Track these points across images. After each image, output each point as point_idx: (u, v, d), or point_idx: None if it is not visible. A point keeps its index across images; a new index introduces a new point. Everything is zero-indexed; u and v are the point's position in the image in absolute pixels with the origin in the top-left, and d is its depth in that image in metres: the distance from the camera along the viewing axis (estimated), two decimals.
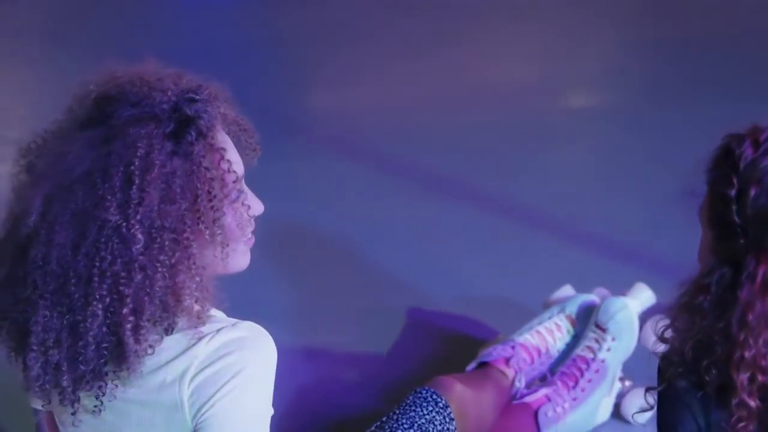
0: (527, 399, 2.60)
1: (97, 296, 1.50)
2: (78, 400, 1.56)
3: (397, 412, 2.29)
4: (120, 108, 1.55)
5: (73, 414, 1.57)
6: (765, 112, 1.83)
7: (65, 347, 1.52)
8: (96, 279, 1.49)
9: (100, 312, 1.50)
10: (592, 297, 2.81)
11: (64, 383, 1.54)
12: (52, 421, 1.77)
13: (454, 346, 3.01)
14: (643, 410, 2.55)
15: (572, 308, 2.77)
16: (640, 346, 2.71)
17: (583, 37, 5.21)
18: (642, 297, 2.74)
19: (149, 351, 1.53)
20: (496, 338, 2.86)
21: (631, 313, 2.69)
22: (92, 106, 1.57)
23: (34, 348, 1.52)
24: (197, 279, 1.55)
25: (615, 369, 2.68)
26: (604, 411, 2.70)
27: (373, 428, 2.28)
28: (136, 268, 1.50)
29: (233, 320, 1.59)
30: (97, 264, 1.49)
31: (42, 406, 1.74)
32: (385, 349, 3.02)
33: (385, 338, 3.06)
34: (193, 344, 1.55)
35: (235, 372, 1.54)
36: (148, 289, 1.51)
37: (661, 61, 4.83)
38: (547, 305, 2.85)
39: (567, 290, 2.88)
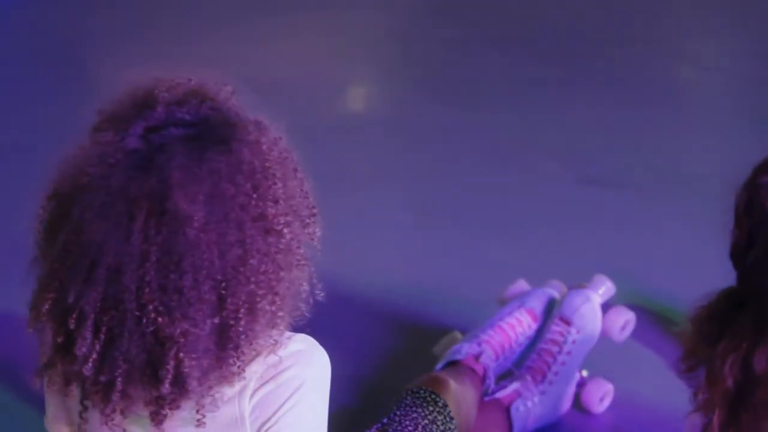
0: (498, 395, 2.63)
1: (260, 295, 1.45)
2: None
3: (399, 413, 2.27)
4: (203, 108, 1.50)
5: None
6: None
7: (213, 354, 1.44)
8: (254, 278, 1.44)
9: (267, 308, 1.46)
10: (550, 290, 2.84)
11: (183, 393, 1.46)
12: None
13: (408, 340, 3.02)
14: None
15: (532, 302, 2.80)
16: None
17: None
18: (603, 288, 2.78)
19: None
20: (451, 334, 2.87)
21: (594, 305, 2.74)
22: (163, 109, 1.49)
23: (185, 357, 1.42)
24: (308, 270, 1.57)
25: (579, 360, 2.73)
26: (566, 402, 2.75)
27: (373, 431, 2.27)
28: (281, 264, 1.48)
29: (286, 332, 1.56)
30: (253, 262, 1.45)
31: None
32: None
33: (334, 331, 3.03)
34: (252, 357, 1.51)
35: (297, 387, 1.53)
36: (287, 283, 1.49)
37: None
38: (502, 301, 2.88)
39: (521, 285, 2.91)
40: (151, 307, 1.40)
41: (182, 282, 1.40)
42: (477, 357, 2.64)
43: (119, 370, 1.43)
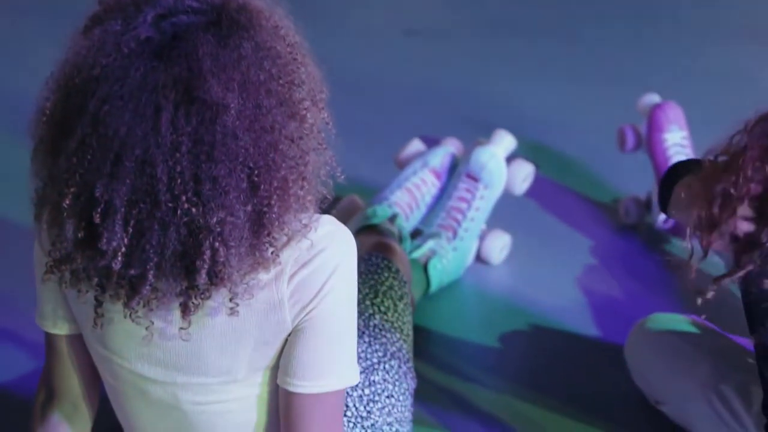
0: (415, 255, 2.66)
1: (292, 179, 1.43)
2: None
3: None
4: None
5: (184, 329, 1.47)
6: None
7: (248, 242, 1.42)
8: (284, 163, 1.42)
9: (299, 193, 1.45)
10: (450, 149, 2.88)
11: (218, 280, 1.43)
12: (80, 347, 1.66)
13: None
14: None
15: (434, 161, 2.83)
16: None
17: None
18: (505, 143, 2.83)
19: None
20: (350, 196, 2.86)
21: (500, 160, 2.79)
22: None
23: (221, 245, 1.39)
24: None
25: (486, 215, 2.79)
26: (471, 255, 2.82)
27: None
28: (306, 148, 1.46)
29: (313, 215, 1.53)
30: (282, 147, 1.42)
31: (69, 330, 1.64)
32: None
33: None
34: (285, 242, 1.49)
35: (333, 268, 1.52)
36: (313, 168, 1.49)
37: None
38: (400, 162, 2.90)
39: (416, 145, 2.93)
40: (184, 198, 1.36)
41: (216, 171, 1.36)
42: (392, 220, 2.66)
43: (151, 263, 1.40)
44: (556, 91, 3.63)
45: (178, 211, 1.37)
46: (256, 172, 1.39)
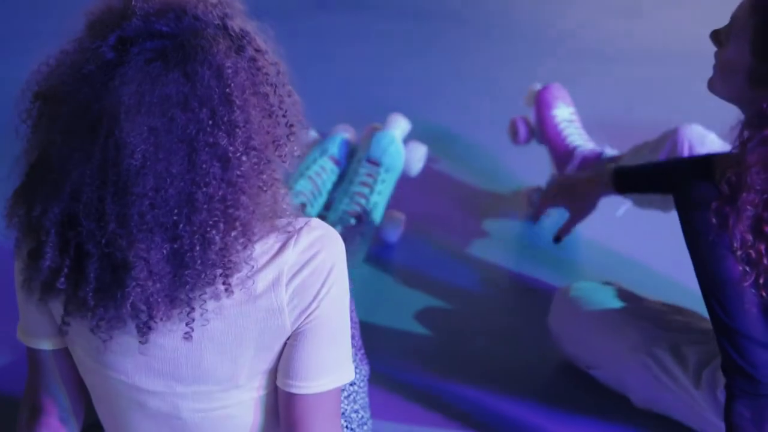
0: None
1: (211, 222, 1.41)
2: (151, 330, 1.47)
3: None
4: (181, 20, 1.42)
5: (142, 344, 1.48)
6: None
7: (168, 277, 1.42)
8: (206, 206, 1.40)
9: (217, 238, 1.42)
10: (344, 135, 2.92)
11: (155, 313, 1.44)
12: (64, 361, 1.65)
13: None
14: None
15: (333, 148, 2.87)
16: None
17: None
18: (401, 126, 2.89)
19: (252, 267, 1.48)
20: None
21: (399, 144, 2.85)
22: (140, 20, 1.41)
23: (138, 280, 1.40)
24: (284, 189, 1.52)
25: (388, 198, 2.85)
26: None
27: None
28: (241, 189, 1.43)
29: (301, 219, 1.56)
30: (206, 190, 1.40)
31: (52, 345, 1.64)
32: None
33: None
34: (278, 249, 1.51)
35: (328, 270, 1.54)
36: (252, 208, 1.45)
37: None
38: None
39: (311, 134, 2.96)
40: (109, 228, 1.39)
41: (134, 208, 1.38)
42: (300, 209, 2.69)
43: (90, 287, 1.43)
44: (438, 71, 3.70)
45: (102, 241, 1.39)
46: (175, 211, 1.39)
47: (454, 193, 3.17)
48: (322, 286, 1.53)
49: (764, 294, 1.79)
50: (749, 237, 1.76)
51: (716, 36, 1.95)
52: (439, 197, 3.14)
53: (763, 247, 1.76)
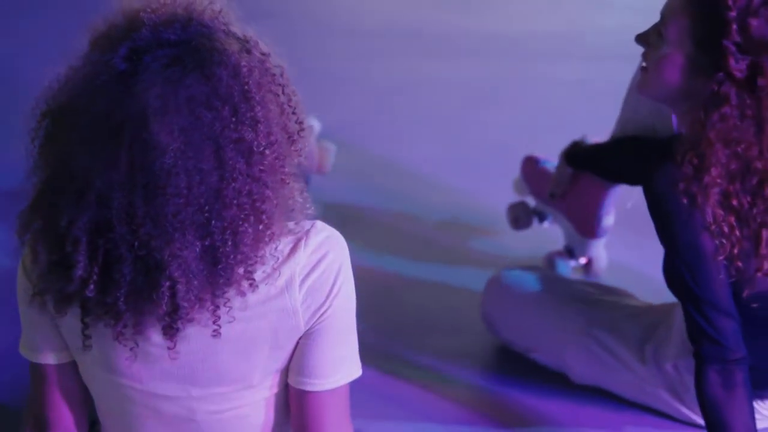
0: None
1: (242, 217, 1.46)
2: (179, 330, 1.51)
3: None
4: (188, 28, 1.47)
5: (171, 348, 1.52)
6: None
7: (203, 275, 1.46)
8: (236, 201, 1.45)
9: (250, 231, 1.47)
10: None
11: (186, 313, 1.48)
12: (69, 374, 1.66)
13: None
14: None
15: None
16: None
17: None
18: (313, 127, 2.96)
19: (277, 259, 1.54)
20: None
21: (313, 144, 2.92)
22: (149, 30, 1.45)
23: (173, 279, 1.44)
24: (299, 184, 1.57)
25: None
26: None
27: None
28: (265, 183, 1.48)
29: (306, 221, 1.61)
30: (234, 185, 1.45)
31: (57, 359, 1.64)
32: None
33: None
34: (289, 251, 1.56)
35: (337, 270, 1.60)
36: (276, 201, 1.50)
37: None
38: None
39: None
40: (141, 231, 1.43)
41: (167, 207, 1.42)
42: None
43: (121, 291, 1.46)
44: None
45: (135, 244, 1.43)
46: (206, 208, 1.44)
47: (372, 185, 3.24)
48: (333, 285, 1.59)
49: (739, 264, 1.93)
50: (720, 212, 1.89)
51: (644, 38, 2.05)
52: (357, 191, 3.20)
53: (733, 219, 1.90)
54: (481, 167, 3.47)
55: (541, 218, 2.86)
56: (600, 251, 2.78)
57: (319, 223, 1.61)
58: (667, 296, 2.16)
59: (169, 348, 1.52)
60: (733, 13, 1.88)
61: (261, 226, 1.49)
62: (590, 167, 2.61)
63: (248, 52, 1.50)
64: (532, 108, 3.96)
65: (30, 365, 1.67)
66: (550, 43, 4.58)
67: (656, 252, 2.07)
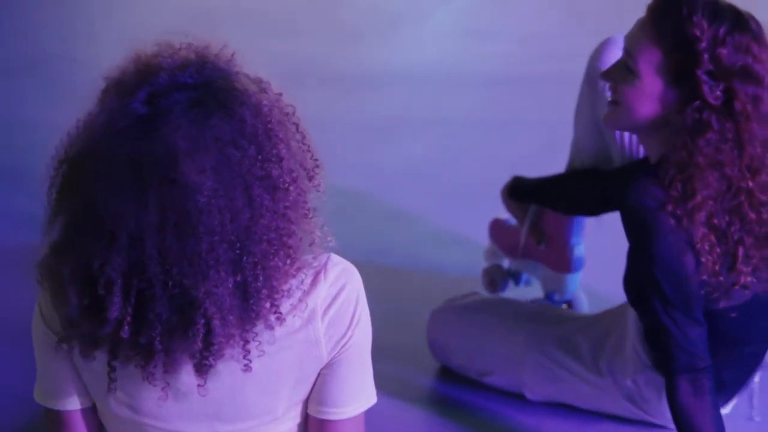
0: None
1: (272, 252, 1.49)
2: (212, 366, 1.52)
3: None
4: (203, 71, 1.50)
5: (201, 386, 1.53)
6: None
7: (237, 311, 1.49)
8: (265, 236, 1.48)
9: (280, 265, 1.50)
10: None
11: (220, 349, 1.50)
12: (90, 418, 1.66)
13: None
14: None
15: None
16: None
17: None
18: None
19: (303, 292, 1.57)
20: None
21: None
22: (167, 74, 1.48)
23: (208, 317, 1.46)
24: (318, 219, 1.60)
25: None
26: None
27: None
28: (290, 218, 1.52)
29: (322, 255, 1.63)
30: (263, 221, 1.48)
31: (77, 404, 1.64)
32: None
33: None
34: (310, 284, 1.59)
35: (355, 300, 1.64)
36: (300, 236, 1.54)
37: None
38: None
39: None
40: (174, 271, 1.44)
41: (200, 246, 1.45)
42: None
43: (156, 331, 1.47)
44: None
45: (170, 283, 1.45)
46: (237, 245, 1.47)
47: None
48: (353, 316, 1.63)
49: (720, 278, 2.03)
50: (703, 230, 2.01)
51: (611, 74, 2.15)
52: None
53: (713, 237, 2.01)
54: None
55: (516, 279, 2.88)
56: (579, 292, 2.83)
57: (334, 256, 1.65)
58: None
59: (199, 385, 1.53)
60: (704, 44, 2.00)
61: (288, 261, 1.52)
62: (541, 200, 2.67)
63: (264, 92, 1.54)
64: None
65: (45, 411, 1.66)
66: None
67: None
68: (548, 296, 2.84)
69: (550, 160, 2.76)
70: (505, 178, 2.75)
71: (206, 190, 1.43)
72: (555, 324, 2.48)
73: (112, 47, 1.52)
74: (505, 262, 2.89)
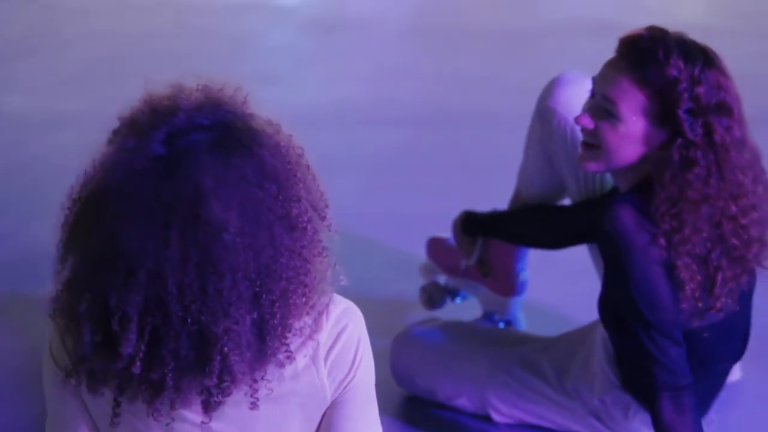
0: None
1: (291, 289, 1.53)
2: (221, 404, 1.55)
3: None
4: (217, 112, 1.53)
5: (205, 423, 1.56)
6: None
7: (255, 347, 1.52)
8: (284, 274, 1.52)
9: (299, 302, 1.54)
10: None
11: (233, 387, 1.52)
12: None
13: None
14: None
15: None
16: None
17: None
18: None
19: (313, 330, 1.61)
20: None
21: None
22: (184, 115, 1.51)
23: (225, 354, 1.48)
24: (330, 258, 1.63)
25: None
26: None
27: None
28: (306, 257, 1.55)
29: (325, 294, 1.64)
30: (282, 260, 1.52)
31: None
32: None
33: None
34: (312, 325, 1.61)
35: (357, 341, 1.67)
36: (314, 274, 1.57)
37: None
38: None
39: None
40: (193, 307, 1.47)
41: (221, 283, 1.47)
42: None
43: (169, 367, 1.50)
44: None
45: (188, 320, 1.47)
46: (257, 282, 1.50)
47: None
48: (355, 356, 1.66)
49: (699, 304, 2.12)
50: (687, 259, 2.10)
51: (591, 116, 2.21)
52: None
53: (695, 267, 2.10)
54: None
55: (454, 295, 2.93)
56: (518, 313, 2.89)
57: (336, 296, 1.68)
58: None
59: (203, 423, 1.55)
60: (684, 84, 2.09)
61: (304, 299, 1.55)
62: (499, 234, 2.73)
63: (279, 132, 1.58)
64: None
65: None
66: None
67: None
68: (487, 316, 2.89)
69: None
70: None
71: (232, 228, 1.46)
72: (516, 345, 2.54)
73: None
74: (442, 279, 2.94)
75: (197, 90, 1.55)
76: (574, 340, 2.51)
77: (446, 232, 2.88)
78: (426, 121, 4.48)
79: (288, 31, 5.92)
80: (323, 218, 1.61)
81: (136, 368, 1.47)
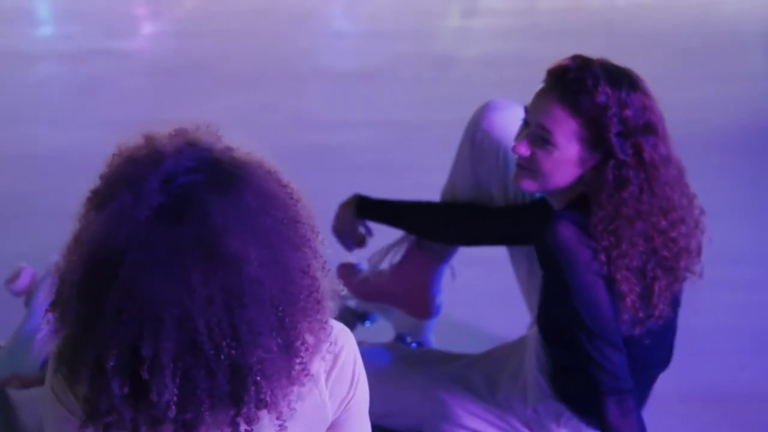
0: None
1: (308, 308, 1.55)
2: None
3: None
4: (201, 152, 1.54)
5: None
6: None
7: (285, 372, 1.54)
8: (301, 296, 1.54)
9: (315, 321, 1.57)
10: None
11: (258, 414, 1.53)
12: None
13: None
14: None
15: None
16: None
17: None
18: None
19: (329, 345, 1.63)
20: None
21: None
22: (171, 160, 1.51)
23: (260, 383, 1.50)
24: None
25: None
26: None
27: None
28: (314, 276, 1.58)
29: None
30: (298, 281, 1.54)
31: None
32: None
33: None
34: (314, 343, 1.62)
35: (353, 359, 1.70)
36: (323, 292, 1.60)
37: None
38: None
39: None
40: (224, 343, 1.48)
41: (248, 315, 1.50)
42: None
43: (204, 405, 1.51)
44: None
45: (221, 356, 1.48)
46: (280, 308, 1.53)
47: None
48: (353, 374, 1.70)
49: (640, 314, 2.23)
50: (626, 272, 2.21)
51: (523, 150, 2.30)
52: None
53: (634, 279, 2.22)
54: None
55: (363, 319, 2.96)
56: (430, 335, 2.94)
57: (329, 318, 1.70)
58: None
59: None
60: (613, 110, 2.21)
61: (319, 316, 1.58)
62: (395, 221, 2.80)
63: (261, 160, 1.59)
64: None
65: None
66: None
67: None
68: (400, 338, 2.94)
69: None
70: None
71: (252, 260, 1.48)
72: (444, 363, 2.61)
73: None
74: (352, 303, 2.97)
75: (170, 135, 1.55)
76: (503, 353, 2.58)
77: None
78: None
79: None
80: (317, 235, 1.63)
81: (171, 412, 1.47)
